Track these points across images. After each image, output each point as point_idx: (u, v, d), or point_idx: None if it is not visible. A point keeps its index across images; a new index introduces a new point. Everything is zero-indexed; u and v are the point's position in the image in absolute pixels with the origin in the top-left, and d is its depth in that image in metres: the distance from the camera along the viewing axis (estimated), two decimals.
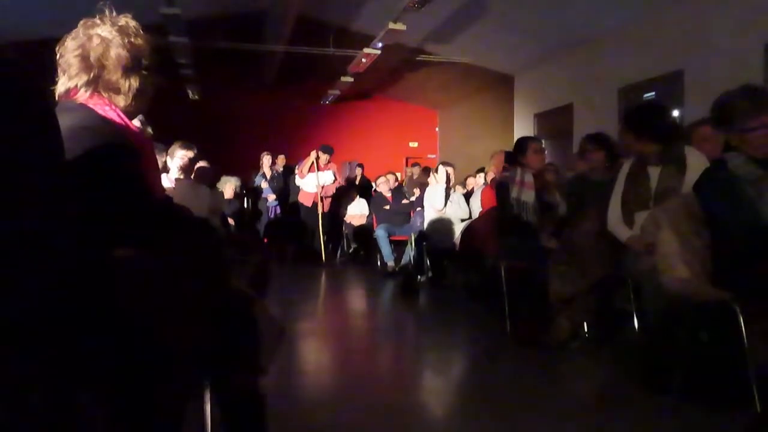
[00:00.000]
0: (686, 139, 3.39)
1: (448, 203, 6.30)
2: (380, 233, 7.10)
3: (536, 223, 3.97)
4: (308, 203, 8.34)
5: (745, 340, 2.20)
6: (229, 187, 7.24)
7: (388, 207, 7.61)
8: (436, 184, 6.38)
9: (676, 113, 6.81)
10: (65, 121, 1.02)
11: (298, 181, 8.43)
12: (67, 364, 1.08)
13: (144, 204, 1.48)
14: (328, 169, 8.36)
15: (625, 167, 3.29)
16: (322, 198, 8.25)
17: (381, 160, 11.62)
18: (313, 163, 8.18)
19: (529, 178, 4.01)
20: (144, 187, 1.49)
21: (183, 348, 1.41)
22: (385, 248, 7.07)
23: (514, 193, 3.98)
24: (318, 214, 8.17)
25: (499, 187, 4.14)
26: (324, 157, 8.25)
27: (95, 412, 1.21)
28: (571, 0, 7.09)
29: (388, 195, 7.80)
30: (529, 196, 3.97)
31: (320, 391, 3.00)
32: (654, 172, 3.14)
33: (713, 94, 2.55)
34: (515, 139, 10.51)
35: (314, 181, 8.19)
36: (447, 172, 6.33)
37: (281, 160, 9.26)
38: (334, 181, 8.44)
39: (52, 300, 0.97)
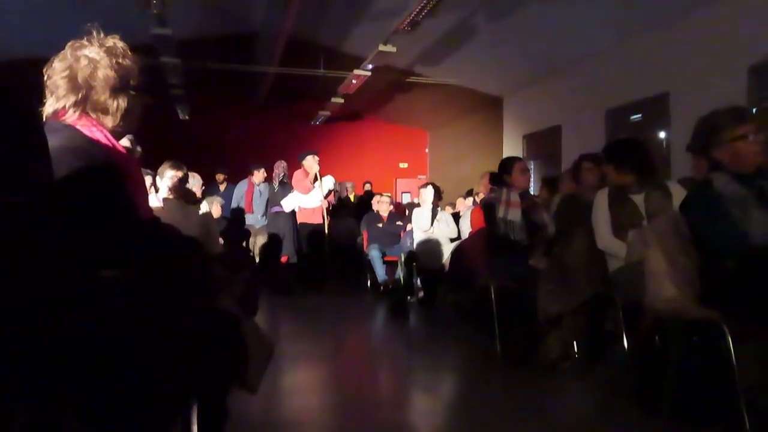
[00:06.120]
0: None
1: (436, 222, 6.31)
2: (375, 253, 7.04)
3: (524, 242, 3.98)
4: (317, 219, 7.24)
5: (734, 360, 2.21)
6: (215, 206, 7.17)
7: (381, 225, 7.57)
8: (422, 205, 6.42)
9: (662, 135, 6.91)
10: (51, 142, 1.02)
11: (299, 198, 7.22)
12: (53, 385, 1.06)
13: (130, 224, 1.47)
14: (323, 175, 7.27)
15: (601, 196, 3.38)
16: (326, 210, 7.29)
17: (371, 181, 11.65)
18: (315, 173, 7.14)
19: (515, 197, 4.03)
20: (130, 207, 1.49)
21: (170, 367, 1.39)
22: (379, 269, 7.01)
23: (500, 213, 4.00)
24: (324, 230, 7.26)
25: (486, 207, 4.17)
26: (316, 159, 7.22)
27: None
28: (558, 23, 7.20)
29: (385, 215, 7.66)
30: (515, 215, 3.99)
31: (310, 411, 2.97)
32: (637, 199, 3.27)
33: (699, 116, 2.58)
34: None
35: (318, 195, 7.14)
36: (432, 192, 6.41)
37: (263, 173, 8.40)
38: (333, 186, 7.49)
39: (37, 321, 0.96)
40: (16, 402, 0.95)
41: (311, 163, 7.15)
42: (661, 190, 3.27)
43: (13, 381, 0.94)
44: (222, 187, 9.11)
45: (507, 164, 4.23)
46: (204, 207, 6.62)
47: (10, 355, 0.91)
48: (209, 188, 8.31)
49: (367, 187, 11.32)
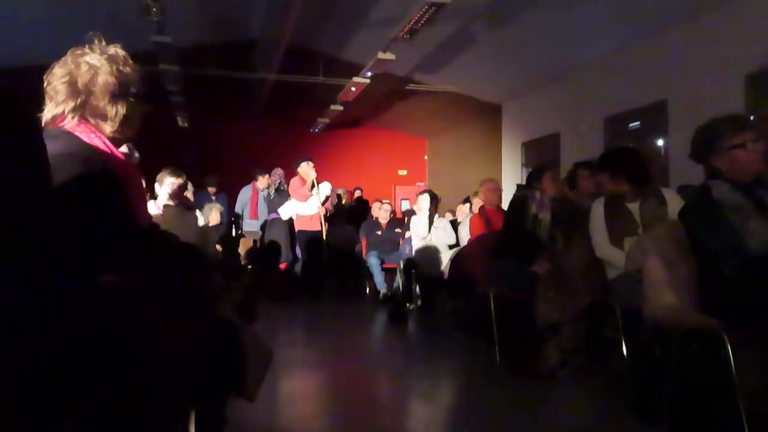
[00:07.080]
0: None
1: (433, 229, 6.30)
2: (373, 261, 7.02)
3: (547, 243, 3.99)
4: (315, 226, 7.13)
5: (734, 368, 2.20)
6: (215, 213, 7.16)
7: (380, 232, 7.56)
8: (419, 212, 6.42)
9: (660, 142, 6.93)
10: (49, 148, 1.02)
11: (297, 206, 7.18)
12: (50, 391, 1.06)
13: (128, 230, 1.47)
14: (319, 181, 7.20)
15: (598, 206, 3.42)
16: (324, 216, 7.21)
17: (370, 188, 11.64)
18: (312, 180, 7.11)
19: (546, 200, 4.09)
20: (128, 213, 1.48)
21: (169, 374, 1.39)
22: (378, 276, 7.01)
23: (533, 209, 4.03)
24: (323, 237, 7.15)
25: (518, 200, 4.17)
26: (312, 166, 7.18)
27: None
28: (556, 31, 7.23)
29: (384, 222, 7.65)
30: (546, 216, 4.04)
31: (308, 418, 2.95)
32: (633, 207, 3.30)
33: (696, 123, 2.59)
34: (503, 168, 10.64)
35: (316, 202, 7.11)
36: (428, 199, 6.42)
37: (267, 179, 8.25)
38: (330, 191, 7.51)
39: (35, 327, 0.96)
40: (13, 407, 0.95)
41: (307, 170, 7.11)
42: (656, 197, 3.30)
43: (10, 386, 0.93)
44: (214, 199, 8.97)
45: (538, 170, 4.34)
46: (206, 213, 6.64)
47: (8, 361, 0.90)
48: (200, 198, 8.26)
49: (357, 193, 11.16)
